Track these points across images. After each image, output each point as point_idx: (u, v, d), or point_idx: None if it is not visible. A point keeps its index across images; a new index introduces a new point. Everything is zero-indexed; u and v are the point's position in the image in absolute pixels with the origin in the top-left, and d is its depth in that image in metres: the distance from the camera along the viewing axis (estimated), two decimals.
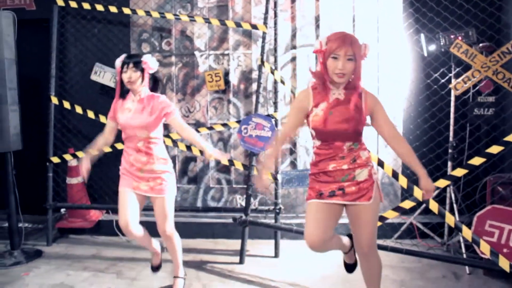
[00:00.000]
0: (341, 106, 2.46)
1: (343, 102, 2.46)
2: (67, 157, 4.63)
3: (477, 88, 4.15)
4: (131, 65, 3.03)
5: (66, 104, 4.59)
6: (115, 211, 4.75)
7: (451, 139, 4.15)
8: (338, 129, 2.44)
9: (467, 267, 3.73)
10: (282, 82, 4.11)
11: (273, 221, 4.24)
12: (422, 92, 4.26)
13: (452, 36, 3.99)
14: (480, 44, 3.94)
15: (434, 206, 3.41)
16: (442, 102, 4.04)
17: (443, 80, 4.02)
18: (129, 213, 3.07)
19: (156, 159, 3.10)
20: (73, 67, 4.91)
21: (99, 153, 3.28)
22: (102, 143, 3.26)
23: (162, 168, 3.12)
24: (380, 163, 3.66)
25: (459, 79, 3.86)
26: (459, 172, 3.39)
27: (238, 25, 4.36)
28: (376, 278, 2.73)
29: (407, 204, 3.51)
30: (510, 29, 4.24)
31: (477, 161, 3.33)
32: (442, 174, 4.09)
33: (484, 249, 3.19)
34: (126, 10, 4.51)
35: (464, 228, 3.27)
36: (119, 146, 4.33)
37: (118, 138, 3.28)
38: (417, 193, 3.45)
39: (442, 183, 3.46)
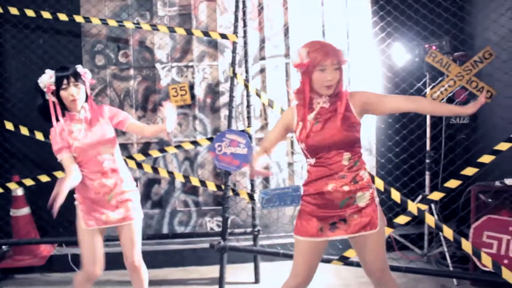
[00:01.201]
0: (329, 113, 2.29)
1: (329, 110, 2.30)
2: (12, 185, 4.03)
3: (456, 99, 4.13)
4: (72, 79, 2.58)
5: (8, 125, 4.00)
6: (70, 243, 4.23)
7: (428, 148, 4.10)
8: (328, 138, 2.26)
9: (454, 280, 3.67)
10: (258, 95, 3.85)
11: (247, 243, 4.00)
12: None
13: (426, 46, 3.98)
14: (455, 53, 3.94)
15: (430, 219, 3.30)
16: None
17: (429, 90, 3.97)
18: (97, 260, 2.71)
19: (124, 177, 2.74)
20: (14, 83, 4.32)
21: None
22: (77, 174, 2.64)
23: (130, 187, 2.77)
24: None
25: (435, 88, 3.84)
26: (453, 183, 3.29)
27: (206, 34, 4.04)
28: None
29: (402, 219, 3.36)
30: (476, 39, 4.31)
31: (470, 171, 3.26)
32: (419, 185, 4.05)
33: (486, 261, 3.10)
34: (79, 18, 4.03)
35: (463, 240, 3.17)
36: (59, 174, 3.86)
37: (58, 163, 2.70)
38: (412, 207, 3.33)
39: (436, 195, 3.34)
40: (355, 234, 2.32)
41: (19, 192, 4.17)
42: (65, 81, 2.57)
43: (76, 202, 2.72)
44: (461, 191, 3.79)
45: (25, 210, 4.20)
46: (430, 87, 3.93)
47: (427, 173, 4.10)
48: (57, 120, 2.63)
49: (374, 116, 4.39)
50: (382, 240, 2.39)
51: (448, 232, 3.23)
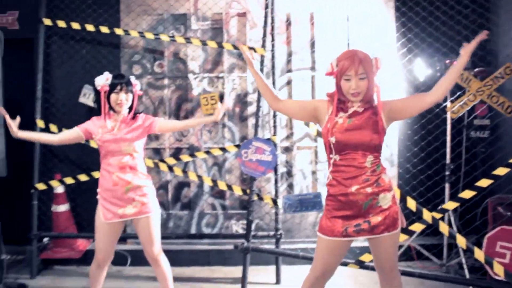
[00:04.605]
0: (360, 116, 2.45)
1: (361, 113, 2.45)
2: (54, 183, 4.38)
3: (475, 113, 4.24)
4: (124, 86, 2.94)
5: (53, 128, 4.36)
6: None
7: (448, 161, 4.21)
8: (358, 137, 2.40)
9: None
10: None
11: (272, 246, 4.17)
12: (417, 117, 4.30)
13: (447, 61, 4.11)
14: (476, 69, 4.06)
15: (444, 228, 3.42)
16: (435, 126, 4.10)
17: (449, 104, 4.09)
18: (106, 250, 3.01)
19: (140, 174, 3.00)
20: (59, 89, 4.69)
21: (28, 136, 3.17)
22: (46, 137, 3.16)
23: (146, 183, 3.02)
24: None
25: (456, 103, 3.96)
26: (467, 194, 3.42)
27: (235, 47, 4.30)
28: None
29: (417, 227, 3.50)
30: (498, 55, 4.40)
31: (484, 182, 3.37)
32: (440, 196, 4.17)
33: (498, 270, 3.20)
34: (119, 31, 4.37)
35: (476, 249, 3.29)
36: (97, 175, 4.10)
37: (97, 165, 3.09)
38: (427, 215, 3.46)
39: (450, 205, 3.48)
40: (379, 235, 2.46)
41: (60, 189, 4.50)
42: (118, 87, 2.93)
43: (98, 196, 3.01)
44: (480, 203, 3.92)
45: (65, 207, 4.52)
46: (450, 100, 4.06)
47: (446, 184, 4.21)
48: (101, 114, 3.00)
49: (395, 128, 4.54)
50: (398, 240, 2.55)
51: (461, 240, 3.35)
